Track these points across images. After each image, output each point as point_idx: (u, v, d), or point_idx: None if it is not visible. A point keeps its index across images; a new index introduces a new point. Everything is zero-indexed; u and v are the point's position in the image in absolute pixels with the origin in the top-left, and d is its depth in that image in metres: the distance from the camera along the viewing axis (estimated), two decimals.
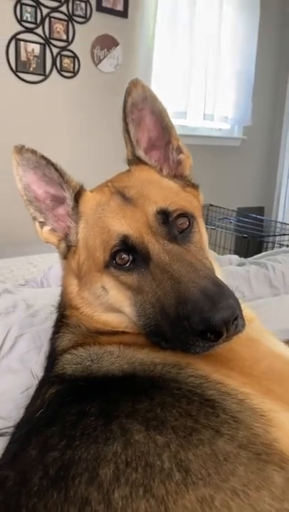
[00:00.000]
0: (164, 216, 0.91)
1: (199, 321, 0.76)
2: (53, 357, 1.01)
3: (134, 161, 1.06)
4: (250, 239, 3.45)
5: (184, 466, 0.65)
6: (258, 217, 4.15)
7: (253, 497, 0.63)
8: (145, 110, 1.04)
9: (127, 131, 1.04)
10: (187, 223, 0.94)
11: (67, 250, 1.02)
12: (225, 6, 4.16)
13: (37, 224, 1.01)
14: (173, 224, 0.92)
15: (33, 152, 0.95)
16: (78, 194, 0.99)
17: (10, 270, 2.24)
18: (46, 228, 1.01)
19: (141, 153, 1.06)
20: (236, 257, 2.03)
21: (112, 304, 0.95)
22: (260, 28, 4.47)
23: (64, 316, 1.04)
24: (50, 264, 1.92)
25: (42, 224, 1.01)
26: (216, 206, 4.22)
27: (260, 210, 4.82)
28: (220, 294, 0.78)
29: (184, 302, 0.78)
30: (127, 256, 0.89)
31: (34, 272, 2.22)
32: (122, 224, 0.91)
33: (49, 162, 0.96)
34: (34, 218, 1.00)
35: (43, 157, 0.95)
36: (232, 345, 0.87)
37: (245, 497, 0.63)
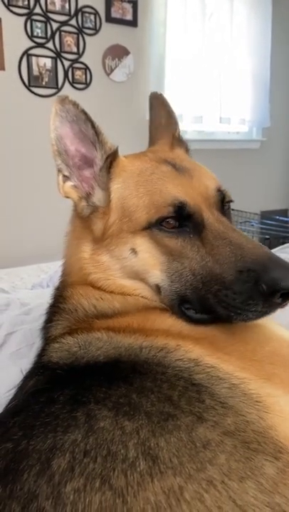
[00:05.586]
0: (222, 195, 0.94)
1: (272, 281, 0.74)
2: (42, 347, 0.94)
3: (177, 140, 1.12)
4: (273, 240, 3.31)
5: (152, 454, 0.57)
6: (282, 218, 4.00)
7: (234, 488, 0.54)
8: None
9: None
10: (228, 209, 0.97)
11: (92, 211, 0.97)
12: (236, 6, 4.12)
13: (60, 177, 0.97)
14: (223, 205, 0.95)
15: (75, 105, 0.92)
16: (112, 156, 0.96)
17: (20, 278, 2.20)
18: (69, 183, 0.97)
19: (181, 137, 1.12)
20: None
21: (138, 267, 0.91)
22: (273, 27, 4.40)
23: (61, 298, 0.98)
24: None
25: (65, 178, 0.97)
26: (238, 210, 4.11)
27: (284, 213, 4.67)
28: (285, 261, 0.77)
29: (252, 264, 0.77)
30: (174, 222, 0.87)
31: (45, 278, 2.18)
32: (179, 190, 0.89)
33: (88, 118, 0.93)
34: (59, 170, 0.97)
35: (83, 112, 0.92)
36: (233, 328, 0.83)
37: (224, 488, 0.54)
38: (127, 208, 0.92)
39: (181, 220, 0.87)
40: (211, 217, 0.88)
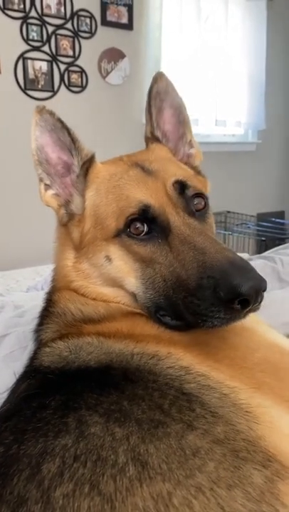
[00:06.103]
0: (181, 186, 0.91)
1: (229, 288, 0.72)
2: (34, 351, 0.95)
3: (152, 139, 1.09)
4: (269, 242, 3.33)
5: (142, 459, 0.57)
6: (278, 220, 4.02)
7: (222, 496, 0.54)
8: (165, 102, 1.08)
9: (149, 112, 1.08)
10: (203, 204, 0.93)
11: (69, 218, 0.99)
12: (231, 8, 4.14)
13: (42, 186, 0.99)
14: (190, 200, 0.91)
15: (52, 114, 0.93)
16: (89, 163, 0.97)
17: (16, 281, 2.20)
18: (50, 192, 0.99)
19: (159, 134, 1.09)
20: (246, 254, 1.92)
21: (114, 275, 0.91)
22: (268, 29, 4.42)
23: (50, 302, 0.99)
24: None
25: (47, 187, 0.99)
26: (234, 213, 4.12)
27: (280, 215, 4.68)
28: (248, 266, 0.76)
29: (211, 270, 0.76)
30: (142, 226, 0.87)
31: (40, 281, 2.17)
32: (144, 193, 0.88)
33: (64, 126, 0.95)
34: (40, 180, 0.98)
35: (59, 120, 0.94)
36: (223, 333, 0.82)
37: (212, 495, 0.54)
38: (99, 215, 0.93)
39: (148, 223, 0.86)
40: (177, 220, 0.86)
